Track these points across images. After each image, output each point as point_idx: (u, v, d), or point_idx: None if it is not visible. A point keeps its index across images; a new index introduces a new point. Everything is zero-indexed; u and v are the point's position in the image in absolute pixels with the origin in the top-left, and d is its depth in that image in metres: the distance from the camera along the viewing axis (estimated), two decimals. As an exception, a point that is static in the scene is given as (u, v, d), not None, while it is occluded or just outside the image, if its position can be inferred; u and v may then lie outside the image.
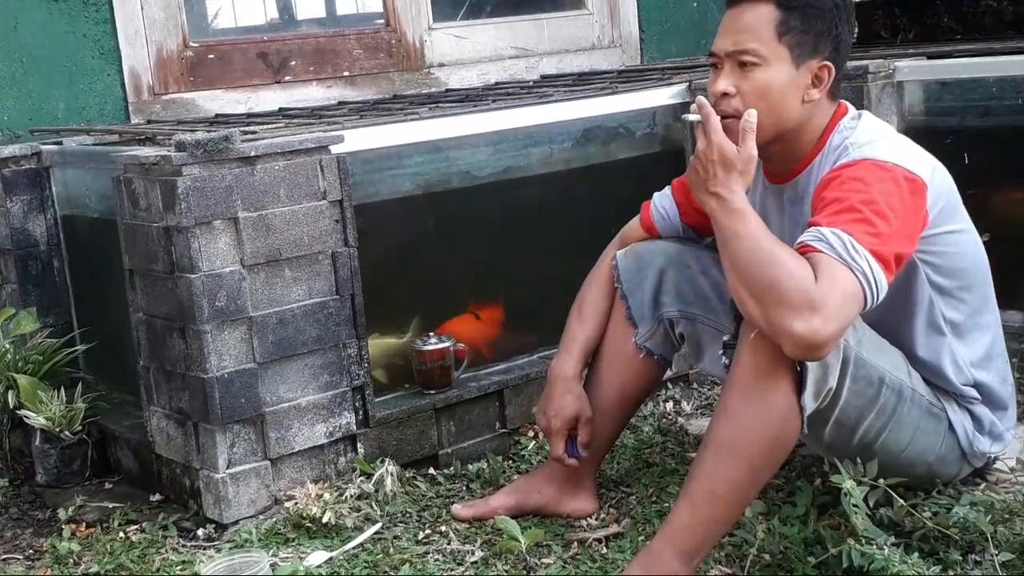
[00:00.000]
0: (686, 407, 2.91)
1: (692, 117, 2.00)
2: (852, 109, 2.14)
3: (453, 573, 2.15)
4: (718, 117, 1.96)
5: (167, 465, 2.58)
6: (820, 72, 2.05)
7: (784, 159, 2.14)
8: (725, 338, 2.05)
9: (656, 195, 2.43)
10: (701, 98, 2.00)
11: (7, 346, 2.77)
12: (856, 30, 2.13)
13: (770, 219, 2.22)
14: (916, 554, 1.90)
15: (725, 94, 2.04)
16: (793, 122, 2.07)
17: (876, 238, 1.86)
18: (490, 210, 2.91)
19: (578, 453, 2.30)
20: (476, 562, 2.19)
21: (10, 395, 2.72)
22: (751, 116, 1.97)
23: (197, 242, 2.32)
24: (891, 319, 2.08)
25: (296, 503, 2.39)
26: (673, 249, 2.33)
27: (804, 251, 1.87)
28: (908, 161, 1.98)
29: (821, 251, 1.84)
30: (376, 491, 2.45)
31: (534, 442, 2.74)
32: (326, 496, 2.39)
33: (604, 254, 2.42)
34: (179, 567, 2.26)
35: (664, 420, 2.81)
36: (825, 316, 1.80)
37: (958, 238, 2.11)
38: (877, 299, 1.87)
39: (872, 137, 2.04)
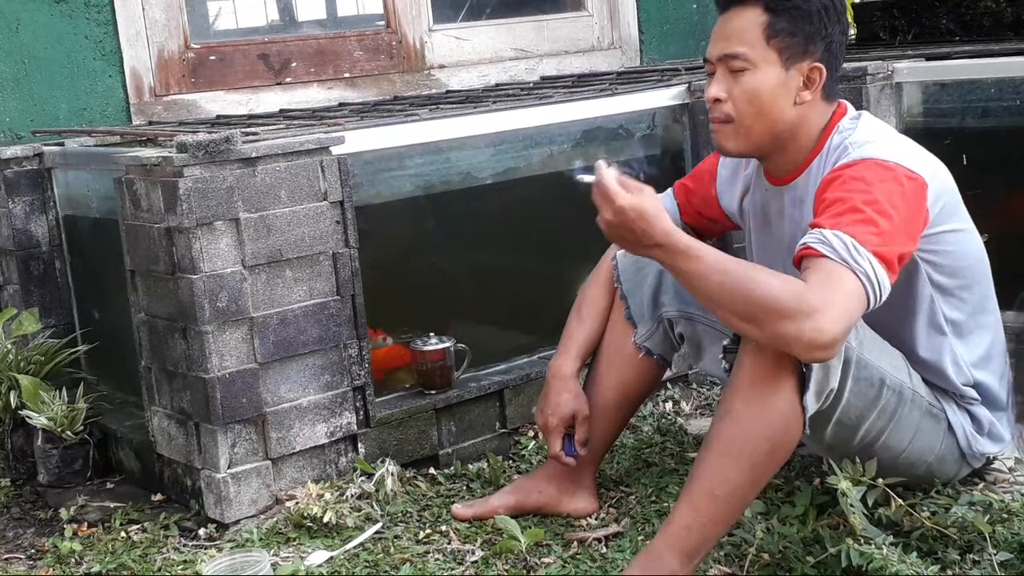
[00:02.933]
0: (685, 407, 2.91)
1: (587, 178, 1.90)
2: (851, 109, 2.15)
3: (453, 572, 2.16)
4: (610, 177, 1.90)
5: (168, 465, 2.59)
6: (811, 74, 2.06)
7: (784, 161, 2.15)
8: (725, 342, 2.05)
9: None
10: (600, 162, 1.94)
11: (9, 346, 2.78)
12: (850, 30, 2.13)
13: (771, 221, 2.23)
14: (914, 554, 1.91)
15: (717, 100, 2.06)
16: (786, 124, 2.08)
17: (878, 238, 1.87)
18: (490, 211, 2.92)
19: (576, 451, 2.31)
20: (476, 561, 2.20)
21: (12, 395, 2.73)
22: (602, 167, 1.91)
23: (198, 243, 2.33)
24: (892, 318, 2.09)
25: (297, 503, 2.40)
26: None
27: (806, 253, 1.88)
28: (908, 160, 1.99)
29: (824, 254, 1.85)
30: (377, 491, 2.46)
31: (534, 442, 2.75)
32: (327, 496, 2.40)
33: (605, 255, 2.43)
34: (180, 566, 2.26)
35: (663, 420, 2.82)
36: (830, 316, 1.80)
37: (959, 237, 2.11)
38: (880, 300, 1.87)
39: (872, 137, 2.05)
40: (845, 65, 2.91)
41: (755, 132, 2.08)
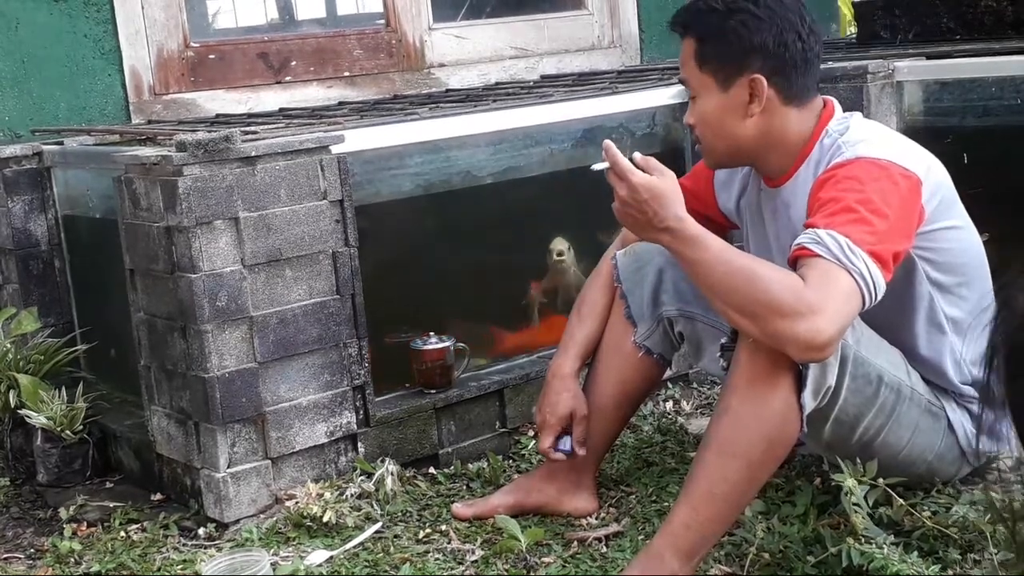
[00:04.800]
0: (686, 406, 2.91)
1: (601, 166, 1.95)
2: (839, 109, 2.14)
3: (453, 572, 2.16)
4: (624, 157, 1.95)
5: (168, 464, 2.59)
6: (753, 86, 2.06)
7: (774, 165, 2.16)
8: (723, 341, 2.05)
9: None
10: (608, 141, 1.97)
11: (8, 346, 2.78)
12: (802, 27, 2.09)
13: (765, 221, 2.24)
14: (915, 553, 1.91)
15: (689, 124, 2.16)
16: (748, 138, 2.09)
17: (873, 236, 1.87)
18: (490, 210, 2.91)
19: (574, 450, 2.31)
20: (476, 561, 2.19)
21: (11, 395, 2.72)
22: (611, 147, 1.95)
23: (198, 242, 2.32)
24: (892, 317, 2.09)
25: (297, 502, 2.39)
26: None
27: (801, 253, 1.88)
28: (902, 158, 1.99)
29: (818, 255, 1.85)
30: (376, 490, 2.46)
31: (534, 441, 2.74)
32: (327, 495, 2.40)
33: (605, 255, 2.43)
34: (180, 566, 2.26)
35: (664, 419, 2.81)
36: (826, 317, 1.81)
37: (956, 234, 2.11)
38: (875, 299, 1.87)
39: (865, 135, 2.05)
40: (845, 64, 2.92)
41: (718, 151, 2.15)
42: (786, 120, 2.09)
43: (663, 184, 1.92)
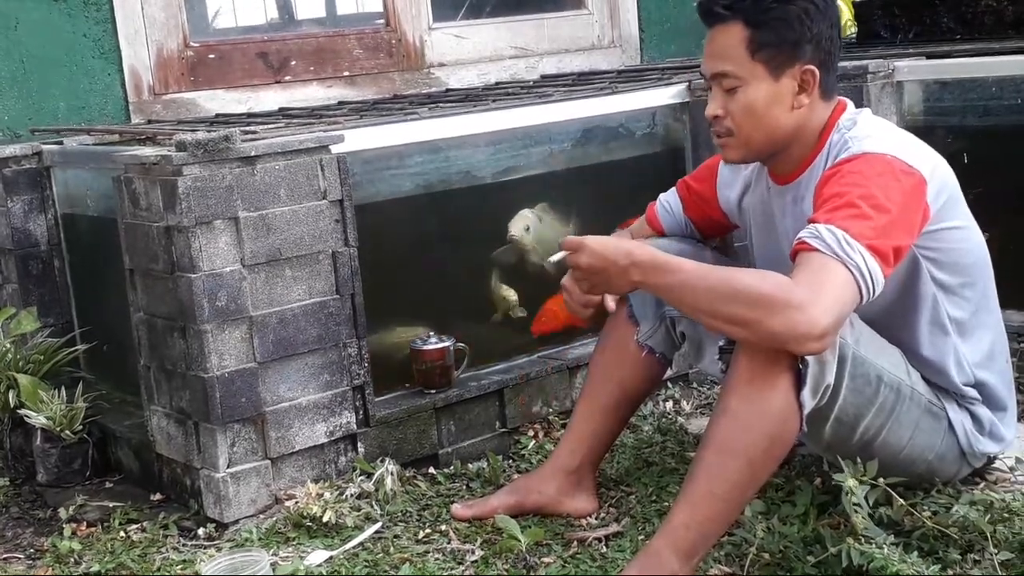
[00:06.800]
0: (686, 406, 2.91)
1: (556, 257, 2.12)
2: (851, 106, 2.14)
3: (453, 572, 2.16)
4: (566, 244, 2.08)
5: (168, 464, 2.59)
6: (804, 77, 2.05)
7: (787, 161, 2.15)
8: (720, 343, 2.05)
9: (662, 195, 2.45)
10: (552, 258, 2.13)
11: (8, 346, 2.77)
12: (852, 28, 2.12)
13: (775, 220, 2.23)
14: (915, 553, 1.91)
15: (716, 116, 2.09)
16: (788, 130, 2.08)
17: (872, 231, 1.87)
18: (490, 210, 2.91)
19: None
20: (476, 561, 2.19)
21: (11, 394, 2.72)
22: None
23: (197, 242, 2.32)
24: (895, 318, 2.09)
25: (296, 502, 2.39)
26: (677, 248, 2.33)
27: (800, 248, 1.89)
28: (907, 155, 1.99)
29: (815, 248, 1.86)
30: (376, 490, 2.46)
31: (534, 441, 2.75)
32: (326, 495, 2.40)
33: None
34: (180, 566, 2.26)
35: (664, 419, 2.81)
36: (820, 307, 1.81)
37: (961, 234, 2.11)
38: (873, 292, 1.88)
39: (871, 132, 2.05)
40: (846, 64, 2.92)
41: (756, 142, 2.10)
42: (816, 113, 2.09)
43: (592, 239, 2.03)
